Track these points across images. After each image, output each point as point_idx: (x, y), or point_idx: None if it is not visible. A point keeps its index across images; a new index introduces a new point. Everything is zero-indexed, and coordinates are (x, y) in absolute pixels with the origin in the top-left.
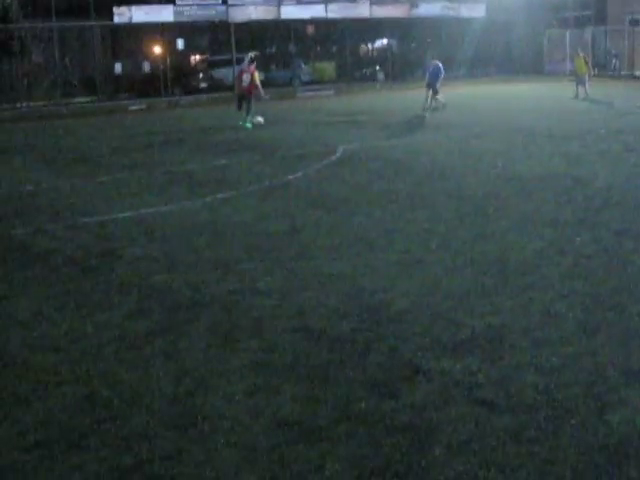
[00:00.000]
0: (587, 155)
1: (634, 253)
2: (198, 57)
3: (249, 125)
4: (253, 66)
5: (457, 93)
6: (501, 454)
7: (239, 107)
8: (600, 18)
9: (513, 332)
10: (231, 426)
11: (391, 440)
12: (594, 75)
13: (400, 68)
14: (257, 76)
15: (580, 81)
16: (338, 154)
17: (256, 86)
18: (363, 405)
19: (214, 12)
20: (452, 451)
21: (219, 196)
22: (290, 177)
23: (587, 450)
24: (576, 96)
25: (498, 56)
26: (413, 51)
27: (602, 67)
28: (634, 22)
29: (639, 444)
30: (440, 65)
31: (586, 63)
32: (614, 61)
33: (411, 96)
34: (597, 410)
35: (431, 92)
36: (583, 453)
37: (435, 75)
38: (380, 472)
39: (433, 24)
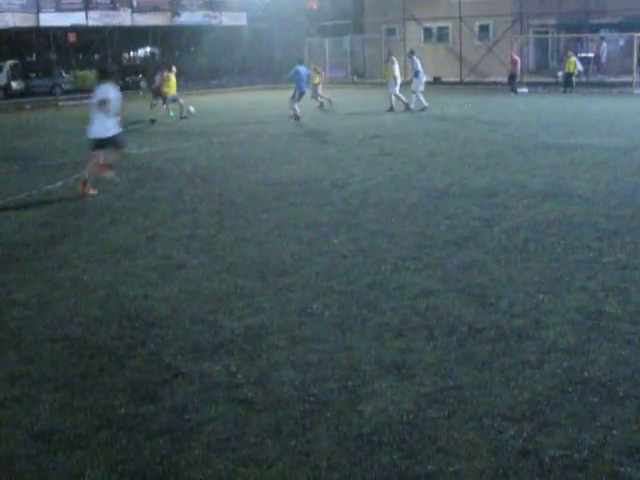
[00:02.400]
0: (345, 159)
1: (387, 252)
2: None
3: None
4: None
5: (222, 100)
6: (259, 450)
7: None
8: (358, 27)
9: (271, 332)
10: None
11: (151, 443)
12: (355, 82)
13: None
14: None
15: (315, 90)
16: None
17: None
18: (123, 411)
19: None
20: (212, 450)
21: None
22: (49, 187)
23: (342, 440)
24: (321, 105)
25: (261, 64)
26: (177, 59)
27: (360, 75)
28: (390, 31)
29: (391, 432)
30: (299, 68)
31: (318, 73)
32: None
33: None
34: (351, 402)
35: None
36: (338, 443)
37: (302, 80)
38: (140, 475)
39: (195, 32)
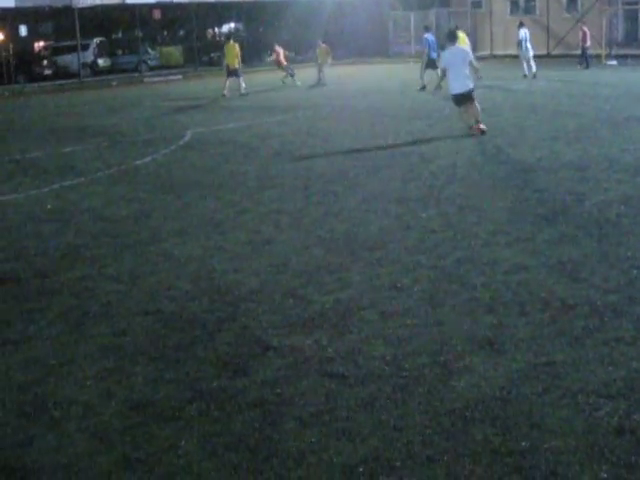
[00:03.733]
0: (432, 133)
1: (476, 226)
2: (42, 43)
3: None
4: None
5: (305, 75)
6: (352, 424)
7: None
8: (443, 0)
9: (361, 306)
10: (83, 411)
11: (243, 416)
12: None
13: (248, 52)
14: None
15: (321, 67)
16: (186, 138)
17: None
18: (215, 384)
19: None
20: (304, 424)
21: (66, 183)
22: (138, 162)
23: (435, 415)
24: (318, 81)
25: (345, 38)
26: (261, 34)
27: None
28: (476, 4)
29: (484, 407)
30: (427, 36)
31: (327, 53)
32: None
33: (259, 79)
34: (443, 377)
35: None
36: (431, 418)
37: (431, 48)
38: (233, 447)
39: (279, 7)
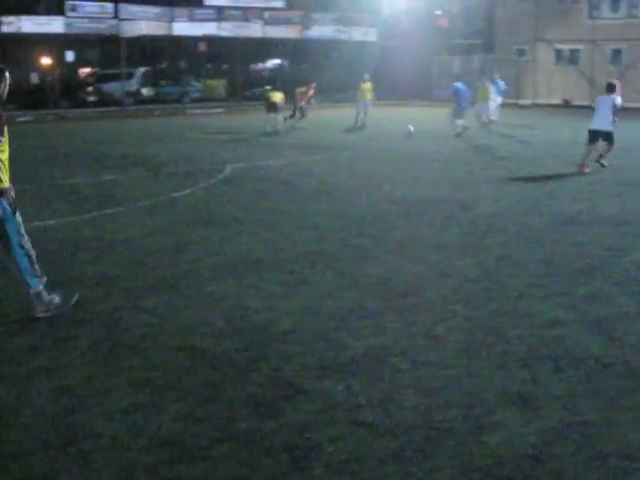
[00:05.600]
0: (471, 181)
1: (514, 278)
2: (87, 70)
3: None
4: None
5: (347, 114)
6: (380, 474)
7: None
8: (488, 46)
9: (394, 354)
10: (111, 444)
11: (271, 460)
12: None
13: (292, 89)
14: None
15: (364, 105)
16: (226, 172)
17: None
18: (244, 425)
19: (105, 26)
20: (331, 471)
21: (105, 212)
22: (177, 194)
23: (464, 471)
24: (356, 122)
25: (388, 81)
26: (305, 72)
27: None
28: (520, 52)
29: (515, 465)
30: (458, 86)
31: (371, 90)
32: None
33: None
34: (475, 431)
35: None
36: (460, 473)
37: (461, 97)
38: None
39: (325, 46)
